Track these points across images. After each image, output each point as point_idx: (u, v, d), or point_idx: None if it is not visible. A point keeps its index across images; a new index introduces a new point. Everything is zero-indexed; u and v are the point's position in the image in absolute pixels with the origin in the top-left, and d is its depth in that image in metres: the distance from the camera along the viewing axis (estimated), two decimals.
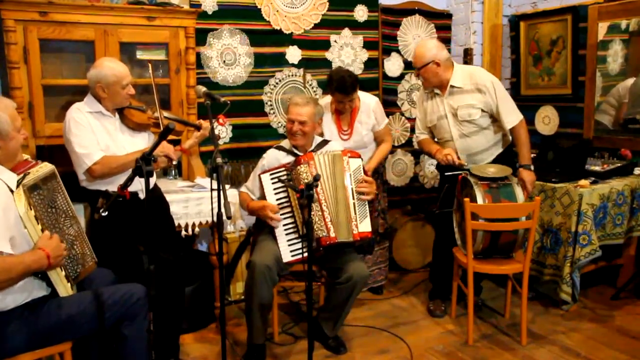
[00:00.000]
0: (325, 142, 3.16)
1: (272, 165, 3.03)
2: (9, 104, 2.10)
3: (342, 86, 3.31)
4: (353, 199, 2.91)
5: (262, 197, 2.97)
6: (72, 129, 2.59)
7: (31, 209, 1.99)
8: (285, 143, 3.14)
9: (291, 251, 2.86)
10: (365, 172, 3.05)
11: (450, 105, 3.28)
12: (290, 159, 3.02)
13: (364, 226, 2.90)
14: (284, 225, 2.89)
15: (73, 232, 2.25)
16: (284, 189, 2.90)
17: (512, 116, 3.23)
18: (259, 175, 2.97)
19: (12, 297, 2.01)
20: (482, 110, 3.24)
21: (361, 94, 3.54)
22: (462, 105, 3.25)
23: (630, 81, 3.81)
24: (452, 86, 3.26)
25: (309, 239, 2.38)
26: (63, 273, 2.11)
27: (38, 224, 2.02)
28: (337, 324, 3.03)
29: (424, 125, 3.49)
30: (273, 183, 2.93)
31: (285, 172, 2.92)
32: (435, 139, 3.49)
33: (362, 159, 3.07)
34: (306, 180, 2.76)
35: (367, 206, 2.96)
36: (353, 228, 2.87)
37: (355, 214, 2.89)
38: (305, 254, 2.44)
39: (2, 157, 2.03)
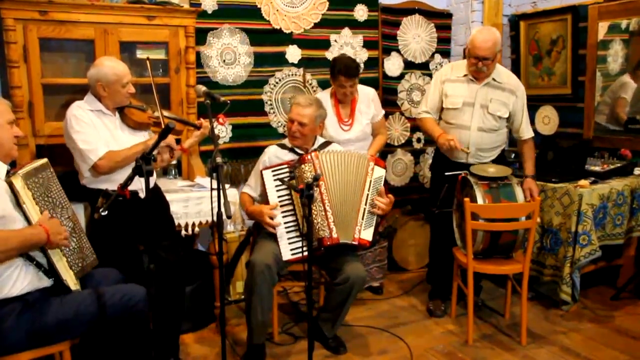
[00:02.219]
0: (327, 144, 3.15)
1: (273, 161, 3.03)
2: (1, 101, 2.16)
3: (346, 68, 3.34)
4: (365, 204, 2.90)
5: (264, 193, 2.97)
6: (74, 126, 2.59)
7: (29, 190, 2.05)
8: (287, 141, 3.14)
9: (291, 249, 2.85)
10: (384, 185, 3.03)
11: (484, 96, 3.27)
12: (292, 156, 3.01)
13: (366, 234, 2.89)
14: (285, 223, 2.89)
15: (71, 224, 2.26)
16: (287, 186, 2.89)
17: (530, 128, 3.41)
18: (261, 172, 2.96)
19: (15, 284, 2.02)
20: (509, 112, 3.30)
21: (359, 86, 3.56)
22: (495, 99, 3.27)
23: (624, 78, 3.81)
24: (494, 79, 3.27)
25: (309, 239, 2.37)
26: (65, 259, 2.13)
27: (36, 204, 2.06)
28: (336, 324, 3.02)
29: (434, 104, 3.43)
30: (275, 180, 2.92)
31: (288, 170, 2.91)
32: (440, 122, 3.47)
33: (385, 170, 3.05)
34: (310, 180, 2.76)
35: (375, 217, 2.94)
36: (355, 232, 2.86)
37: (362, 219, 2.89)
38: (305, 253, 2.44)
39: None
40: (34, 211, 2.06)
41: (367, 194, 2.92)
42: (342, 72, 3.35)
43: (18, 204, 2.04)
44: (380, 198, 2.94)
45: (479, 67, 3.19)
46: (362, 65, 4.30)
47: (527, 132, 3.39)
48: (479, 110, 3.28)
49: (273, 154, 3.11)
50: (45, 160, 2.24)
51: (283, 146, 3.12)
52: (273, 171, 2.94)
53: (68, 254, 2.17)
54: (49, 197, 2.16)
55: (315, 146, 3.11)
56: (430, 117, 3.45)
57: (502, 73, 3.33)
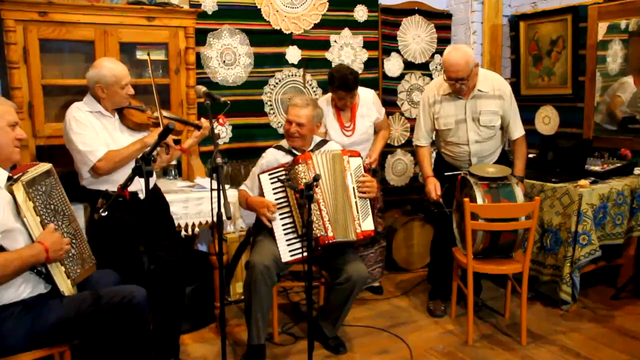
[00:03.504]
0: (324, 142, 3.16)
1: (271, 164, 3.03)
2: (5, 101, 2.12)
3: (344, 83, 3.33)
4: (355, 197, 2.92)
5: (261, 196, 2.97)
6: (73, 127, 2.60)
7: (30, 201, 2.01)
8: (284, 143, 3.14)
9: (290, 251, 2.86)
10: (366, 169, 3.04)
11: (472, 109, 3.26)
12: (289, 158, 3.02)
13: (367, 224, 2.91)
14: (283, 225, 2.90)
15: (72, 230, 2.25)
16: (283, 188, 2.90)
17: (520, 127, 3.38)
18: (258, 176, 2.97)
19: (13, 292, 2.02)
20: (501, 117, 3.29)
21: (359, 89, 3.56)
22: (485, 110, 3.26)
23: (626, 79, 3.80)
24: (479, 90, 3.24)
25: (309, 239, 2.37)
26: (63, 269, 2.12)
27: (37, 215, 2.03)
28: (337, 324, 3.02)
29: (428, 129, 3.43)
30: (272, 183, 2.93)
31: (283, 172, 2.92)
32: (438, 142, 3.49)
33: (361, 158, 3.06)
34: (304, 180, 2.76)
35: (369, 204, 2.96)
36: (356, 227, 2.87)
37: (357, 212, 2.90)
38: (305, 254, 2.44)
39: None
40: (35, 224, 2.03)
41: (353, 187, 2.93)
42: (340, 87, 3.34)
43: (20, 214, 2.02)
44: (364, 182, 2.96)
45: (457, 87, 3.18)
46: (362, 66, 4.31)
47: (516, 132, 3.37)
48: (472, 124, 3.28)
49: (272, 156, 3.11)
50: (49, 166, 2.20)
51: (280, 148, 3.12)
52: (270, 174, 2.95)
53: (67, 262, 2.16)
54: (50, 204, 2.14)
55: (312, 146, 3.11)
56: (426, 147, 3.48)
57: (485, 80, 3.26)
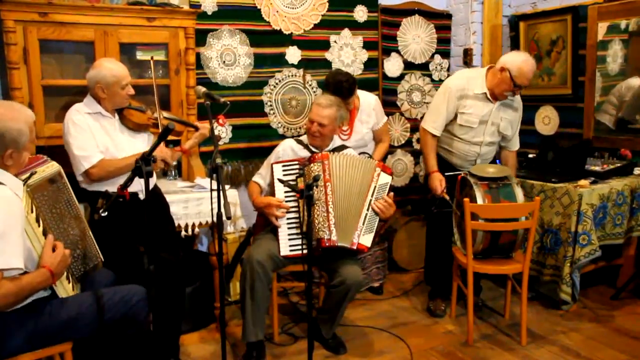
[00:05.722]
0: (342, 147, 3.16)
1: (288, 155, 3.05)
2: (30, 116, 2.07)
3: (338, 90, 3.29)
4: (367, 210, 2.89)
5: (272, 185, 2.98)
6: (70, 131, 2.60)
7: (32, 212, 1.99)
8: (304, 137, 3.15)
9: (290, 246, 2.86)
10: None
11: (497, 115, 3.32)
12: (306, 154, 3.03)
13: (365, 240, 2.88)
14: (288, 219, 2.90)
15: (78, 232, 2.25)
16: (294, 182, 2.89)
17: (518, 141, 3.52)
18: (272, 165, 2.98)
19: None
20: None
21: (361, 92, 3.55)
22: (506, 118, 3.34)
23: (633, 81, 3.79)
24: (509, 98, 3.32)
25: (309, 239, 2.38)
26: (64, 274, 2.12)
27: (39, 226, 2.01)
28: (333, 325, 3.02)
29: (447, 118, 3.35)
30: (284, 175, 2.92)
31: (298, 167, 2.92)
32: (444, 134, 3.48)
33: (392, 177, 3.00)
34: (309, 181, 2.76)
35: (376, 223, 2.92)
36: (355, 237, 2.86)
37: (362, 224, 2.87)
38: (304, 251, 2.44)
39: (13, 168, 2.00)
40: (35, 236, 1.98)
41: (370, 200, 2.89)
42: (334, 94, 3.29)
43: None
44: (383, 201, 2.91)
45: (516, 93, 3.25)
46: (362, 66, 4.31)
47: (517, 144, 3.53)
48: (491, 127, 3.33)
49: (289, 147, 3.12)
50: (58, 168, 2.18)
51: (300, 142, 3.14)
52: (283, 166, 2.95)
53: (70, 265, 2.15)
54: (56, 207, 2.13)
55: (330, 147, 3.12)
56: (435, 138, 3.40)
57: None
